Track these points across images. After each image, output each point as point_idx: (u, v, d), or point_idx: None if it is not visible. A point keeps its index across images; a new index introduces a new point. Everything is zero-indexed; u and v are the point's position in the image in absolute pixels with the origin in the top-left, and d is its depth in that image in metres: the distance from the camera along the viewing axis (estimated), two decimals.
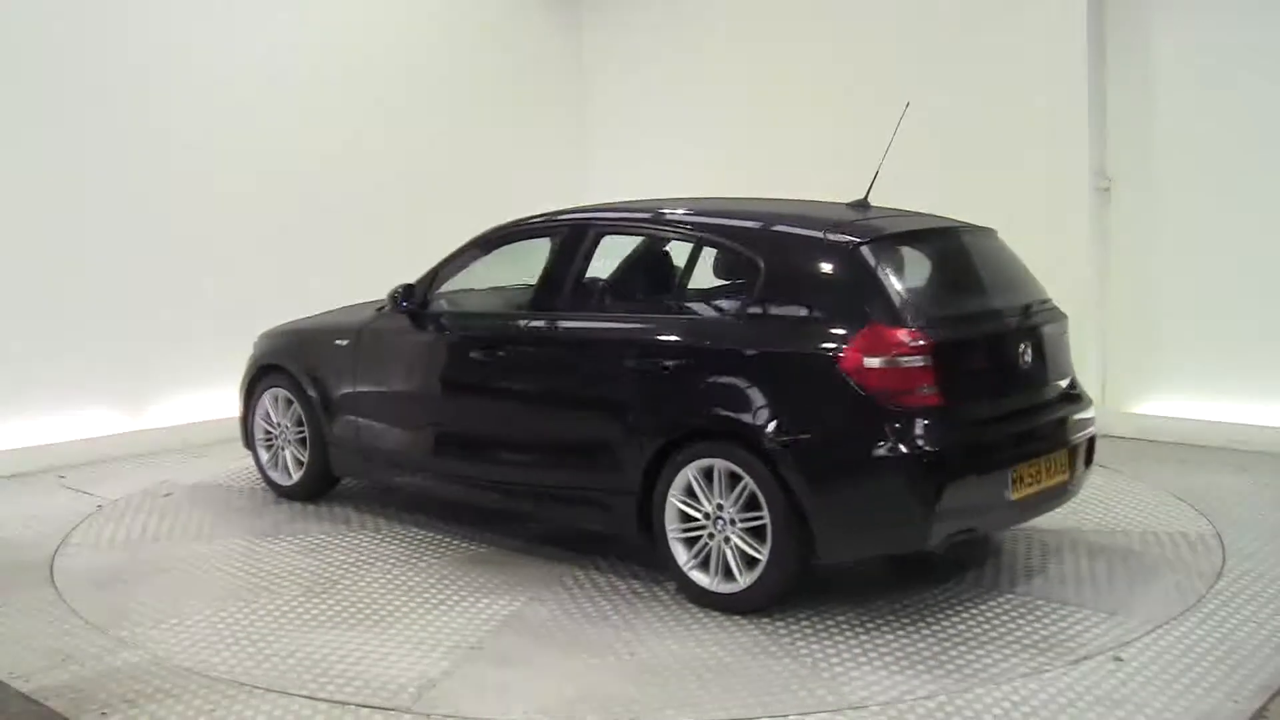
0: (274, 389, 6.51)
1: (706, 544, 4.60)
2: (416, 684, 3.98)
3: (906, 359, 4.32)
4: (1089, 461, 5.04)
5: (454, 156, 9.76)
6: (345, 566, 5.31)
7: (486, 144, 10.09)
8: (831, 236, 4.72)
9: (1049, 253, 8.00)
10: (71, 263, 7.58)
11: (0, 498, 6.68)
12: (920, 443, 4.28)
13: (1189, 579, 4.88)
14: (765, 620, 4.48)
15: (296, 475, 6.44)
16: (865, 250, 4.59)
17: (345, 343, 6.15)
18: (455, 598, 4.86)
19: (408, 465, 5.91)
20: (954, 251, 5.09)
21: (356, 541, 5.71)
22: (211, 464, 7.48)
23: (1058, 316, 5.12)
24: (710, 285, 5.20)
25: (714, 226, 5.13)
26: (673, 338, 4.88)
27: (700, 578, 4.63)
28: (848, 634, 4.35)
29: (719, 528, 4.56)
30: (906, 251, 4.87)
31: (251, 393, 6.67)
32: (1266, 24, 7.17)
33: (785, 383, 4.51)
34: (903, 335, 4.34)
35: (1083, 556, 5.22)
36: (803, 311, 4.61)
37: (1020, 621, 4.44)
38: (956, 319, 4.65)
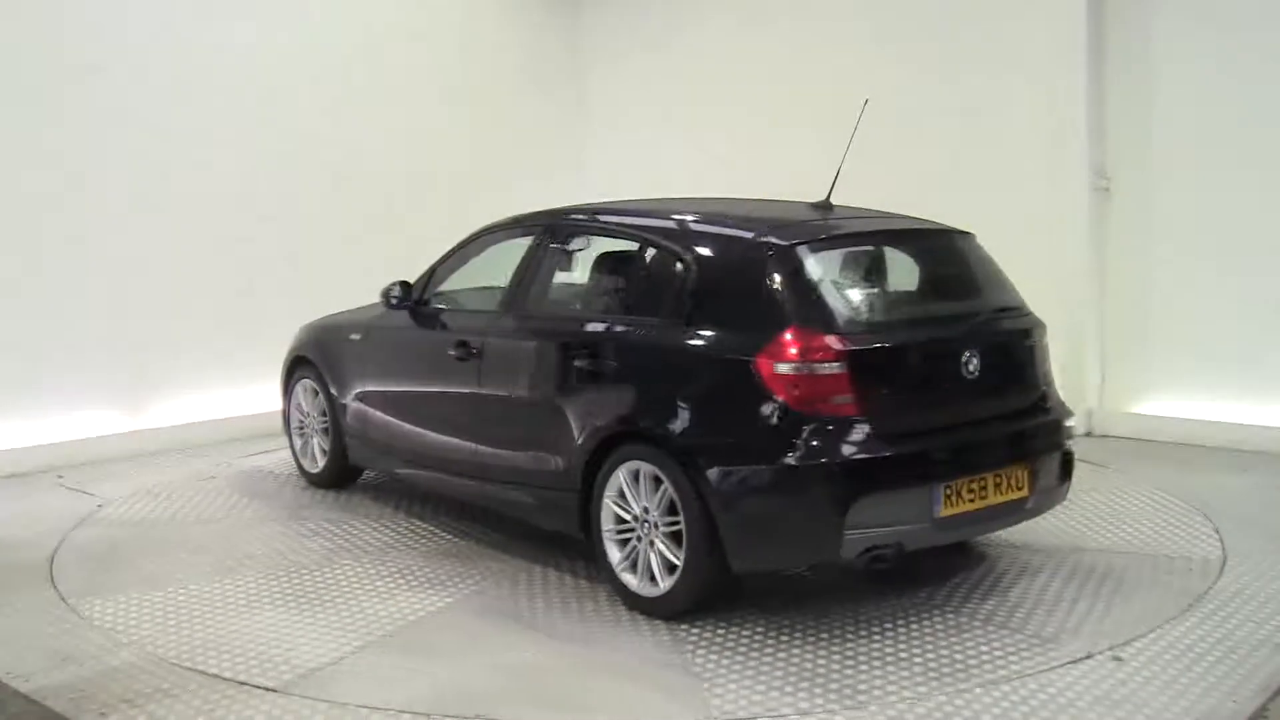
0: (304, 380, 6.86)
1: (635, 546, 4.60)
2: (307, 667, 4.12)
3: (821, 365, 4.19)
4: (1065, 477, 4.84)
5: (454, 156, 9.76)
6: (323, 553, 5.51)
7: (486, 143, 10.09)
8: (757, 239, 4.61)
9: (1048, 253, 8.04)
10: (72, 263, 7.58)
11: (0, 498, 6.68)
12: (831, 453, 4.15)
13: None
14: (692, 625, 4.44)
15: (321, 463, 6.74)
16: (787, 253, 4.46)
17: (357, 337, 6.41)
18: (403, 587, 5.00)
19: (402, 457, 6.08)
20: (902, 255, 4.96)
21: (349, 529, 5.91)
22: (206, 461, 7.48)
23: (1027, 325, 4.92)
24: (647, 286, 5.10)
25: (650, 228, 5.05)
26: (607, 338, 4.89)
27: (629, 580, 4.63)
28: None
29: (645, 531, 4.55)
30: (842, 255, 4.76)
31: (288, 383, 7.02)
32: (1266, 24, 7.17)
33: (703, 386, 4.45)
34: (818, 341, 4.22)
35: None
36: (726, 315, 4.50)
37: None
38: (886, 325, 4.54)
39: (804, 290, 4.39)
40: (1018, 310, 4.99)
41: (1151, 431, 7.65)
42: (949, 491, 4.31)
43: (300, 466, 6.93)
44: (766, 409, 4.21)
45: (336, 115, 9.01)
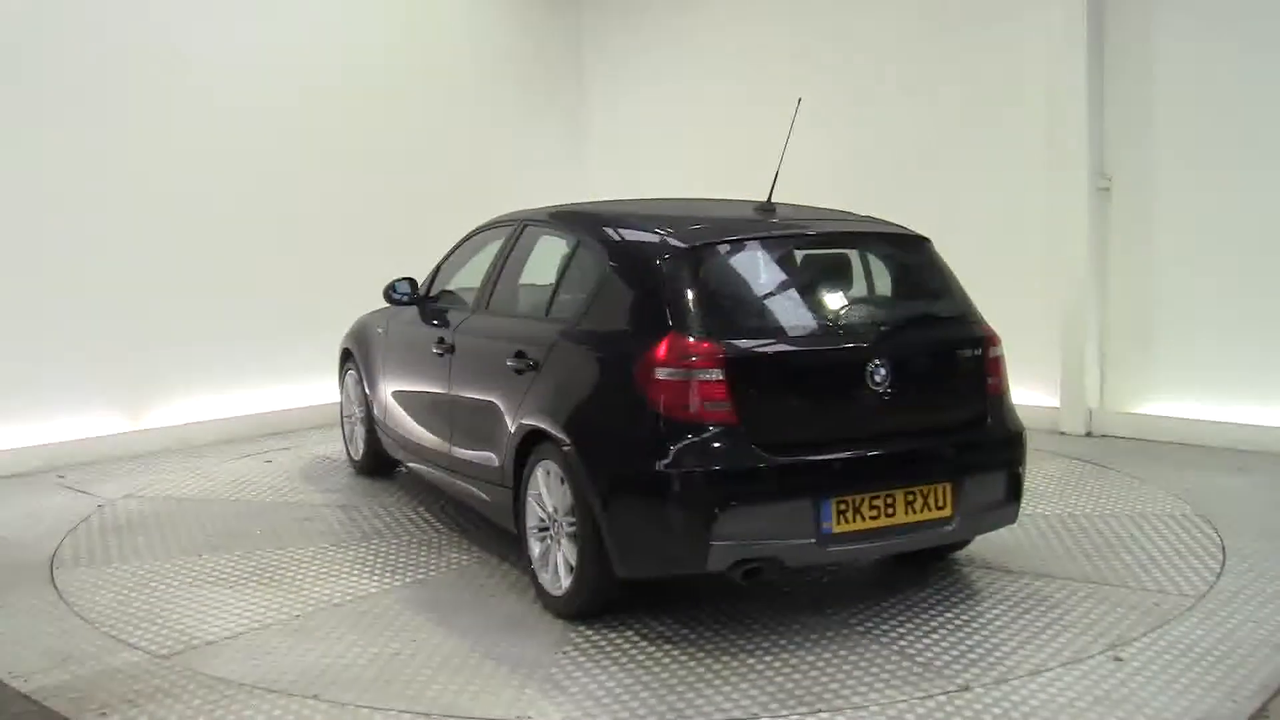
0: (350, 371, 7.20)
1: (549, 545, 4.63)
2: (202, 640, 4.38)
3: (697, 372, 4.10)
4: (1013, 498, 4.63)
5: (454, 156, 9.77)
6: (302, 536, 5.81)
7: (487, 143, 10.10)
8: (657, 242, 4.55)
9: (1048, 253, 8.05)
10: (72, 264, 7.59)
11: (0, 498, 6.68)
12: (701, 461, 4.06)
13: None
14: (594, 627, 4.41)
15: (361, 452, 7.06)
16: (682, 257, 4.39)
17: (381, 331, 6.67)
18: (354, 573, 5.21)
19: (406, 450, 6.29)
20: (819, 260, 4.85)
21: (347, 517, 6.18)
22: (206, 461, 7.48)
23: (957, 336, 4.68)
24: (570, 287, 5.12)
25: (582, 229, 5.02)
26: (530, 338, 4.91)
27: (543, 578, 4.66)
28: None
29: (555, 530, 4.56)
30: (749, 259, 4.62)
31: (341, 374, 7.40)
32: (1266, 24, 7.17)
33: (596, 389, 4.47)
34: (695, 347, 4.13)
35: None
36: (623, 317, 4.49)
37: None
38: (779, 332, 4.38)
39: (692, 295, 4.29)
40: (955, 321, 4.74)
41: (1151, 431, 7.65)
42: (842, 507, 4.15)
43: (348, 453, 7.33)
44: (644, 414, 4.15)
45: (336, 116, 9.01)
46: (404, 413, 6.22)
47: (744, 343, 4.23)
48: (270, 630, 4.51)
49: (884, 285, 4.94)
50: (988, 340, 4.72)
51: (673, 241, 4.49)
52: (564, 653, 4.20)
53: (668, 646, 4.23)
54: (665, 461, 4.08)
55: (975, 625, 4.41)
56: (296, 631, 4.49)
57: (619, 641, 4.29)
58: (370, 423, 6.80)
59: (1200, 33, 7.43)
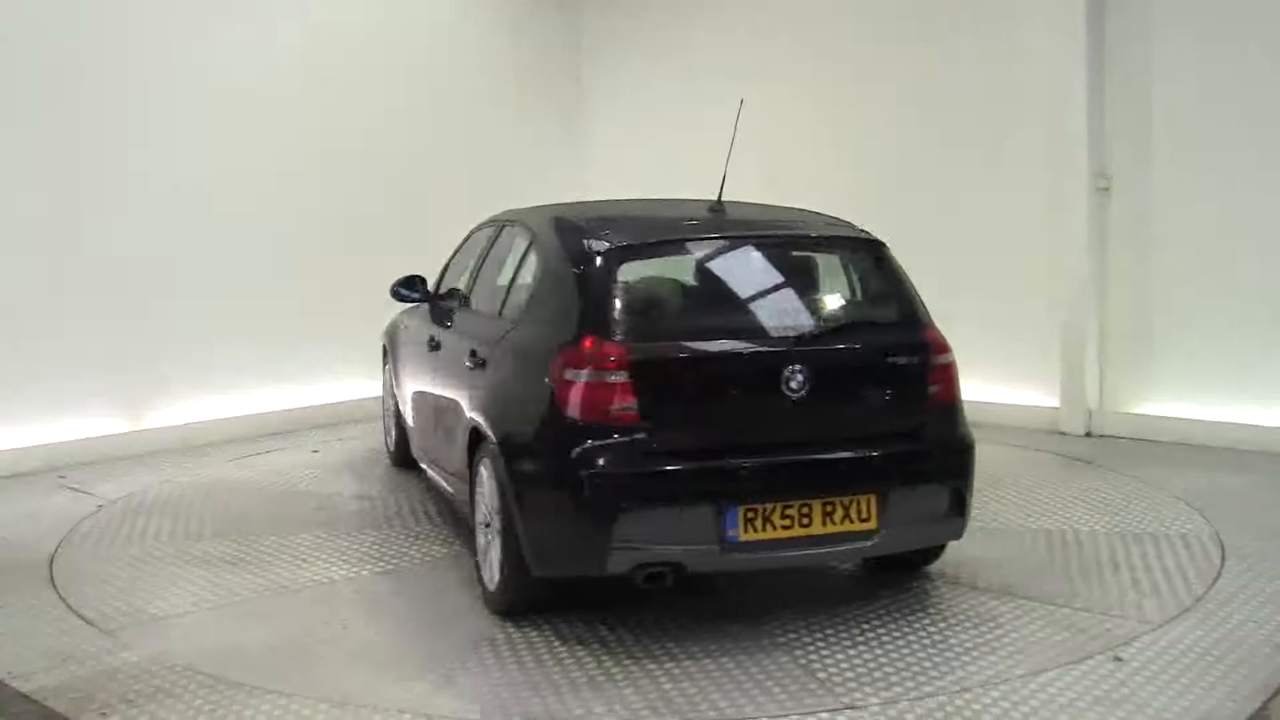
0: (388, 365, 7.34)
1: (490, 540, 4.66)
2: (152, 617, 4.62)
3: (604, 374, 4.10)
4: (956, 513, 4.45)
5: (454, 156, 9.77)
6: (303, 524, 6.00)
7: (487, 143, 10.10)
8: (586, 243, 4.54)
9: (1048, 253, 8.05)
10: (72, 264, 7.59)
11: (0, 498, 6.68)
12: (602, 464, 4.06)
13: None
14: (524, 623, 4.46)
15: (393, 443, 7.28)
16: (604, 258, 4.40)
17: (405, 328, 6.82)
18: (329, 561, 5.37)
19: (412, 441, 6.57)
20: (749, 262, 4.78)
21: (359, 507, 6.39)
22: (206, 461, 7.47)
23: (890, 343, 4.52)
24: (519, 287, 5.18)
25: (537, 230, 5.02)
26: (483, 337, 5.01)
27: (483, 572, 4.72)
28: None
29: (491, 526, 4.62)
30: (674, 262, 4.64)
31: (384, 368, 7.51)
32: (1266, 24, 7.17)
33: (520, 388, 4.50)
34: (603, 349, 4.14)
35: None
36: (549, 317, 4.53)
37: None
38: (692, 335, 4.33)
39: (607, 298, 4.30)
40: (891, 326, 4.61)
41: (1151, 431, 7.65)
42: (751, 514, 4.08)
43: (386, 446, 7.55)
44: (555, 415, 4.17)
45: (336, 117, 9.01)
46: (410, 408, 6.45)
47: (652, 345, 4.22)
48: (220, 610, 4.73)
49: (817, 288, 4.84)
50: (930, 348, 4.52)
51: (595, 244, 4.50)
52: (479, 648, 4.25)
53: (579, 648, 4.24)
54: (569, 463, 4.10)
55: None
56: (243, 613, 4.68)
57: (535, 639, 4.32)
58: (398, 416, 6.99)
59: (1200, 33, 7.44)
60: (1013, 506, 6.10)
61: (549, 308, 4.57)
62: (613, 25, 10.72)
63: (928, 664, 4.04)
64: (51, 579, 5.18)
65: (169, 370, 8.09)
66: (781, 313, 4.52)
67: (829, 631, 4.36)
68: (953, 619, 4.46)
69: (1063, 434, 7.93)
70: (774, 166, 9.47)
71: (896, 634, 4.32)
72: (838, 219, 5.17)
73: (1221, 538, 5.41)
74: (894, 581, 4.86)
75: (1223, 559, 5.11)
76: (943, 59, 8.59)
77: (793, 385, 4.20)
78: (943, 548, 4.86)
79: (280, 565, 5.29)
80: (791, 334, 4.33)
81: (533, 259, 4.96)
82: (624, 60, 10.64)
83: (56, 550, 5.61)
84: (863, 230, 4.92)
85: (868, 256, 4.80)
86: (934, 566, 4.98)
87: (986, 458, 7.12)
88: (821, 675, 3.96)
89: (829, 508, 4.17)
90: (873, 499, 4.22)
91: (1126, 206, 7.81)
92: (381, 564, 5.32)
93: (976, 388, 8.44)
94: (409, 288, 6.24)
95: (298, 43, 8.81)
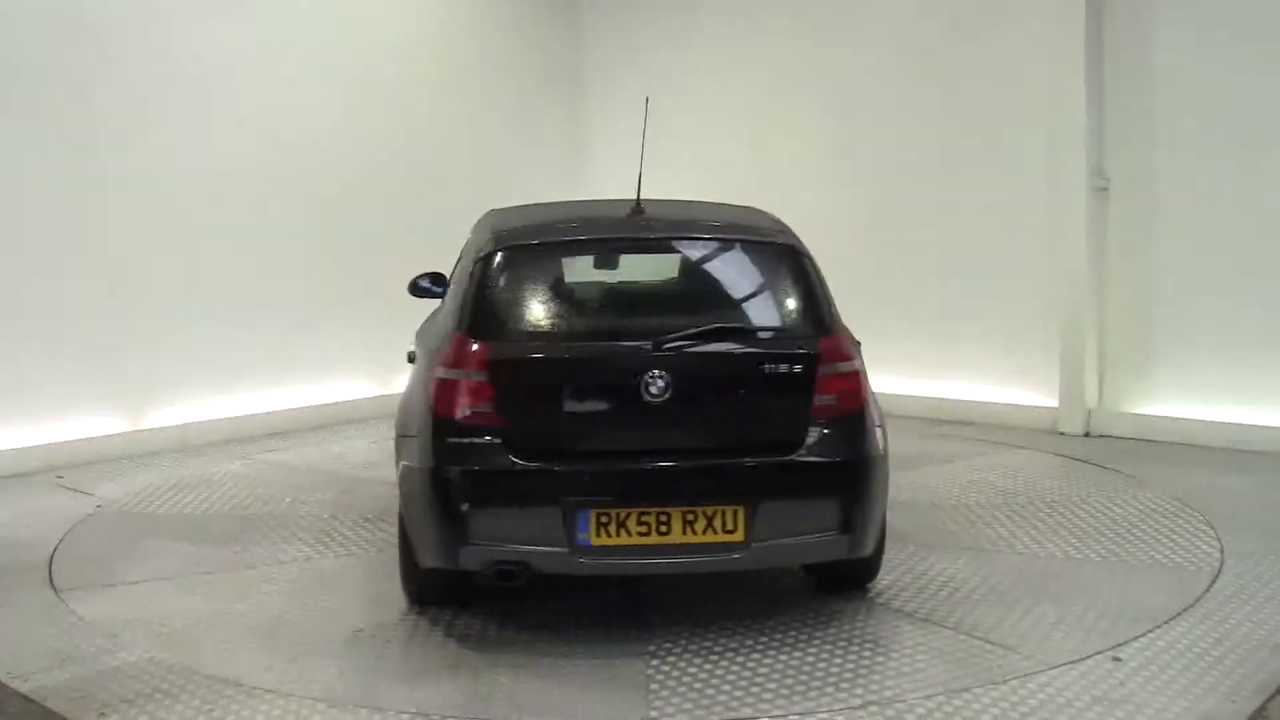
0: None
1: None
2: (118, 582, 4.97)
3: (466, 373, 4.17)
4: (844, 529, 4.21)
5: (455, 156, 9.77)
6: (314, 508, 6.24)
7: (487, 144, 10.10)
8: (483, 244, 4.57)
9: (1048, 253, 8.05)
10: (72, 264, 7.59)
11: (0, 498, 6.68)
12: (457, 462, 4.12)
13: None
14: (426, 614, 4.59)
15: None
16: (488, 259, 4.45)
17: (425, 328, 6.74)
18: (305, 543, 5.63)
19: None
20: (634, 263, 4.80)
21: (381, 492, 6.35)
22: (206, 461, 7.49)
23: (781, 350, 4.33)
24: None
25: (474, 231, 5.04)
26: (421, 335, 5.22)
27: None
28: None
29: None
30: (551, 262, 4.64)
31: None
32: (1266, 24, 7.17)
33: (414, 387, 4.60)
34: (466, 348, 4.21)
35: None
36: (445, 316, 4.63)
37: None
38: (555, 337, 4.36)
39: (484, 297, 4.36)
40: (776, 333, 4.45)
41: (1151, 431, 7.65)
42: (604, 519, 4.04)
43: None
44: (426, 411, 4.26)
45: (336, 119, 9.01)
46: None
47: (515, 346, 4.26)
48: (168, 582, 5.09)
49: (703, 292, 4.77)
50: (818, 356, 4.29)
51: (483, 245, 4.54)
52: (356, 635, 4.42)
53: (450, 639, 4.37)
54: (430, 459, 4.17)
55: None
56: (184, 588, 5.03)
57: (416, 631, 4.46)
58: None
59: (1199, 33, 7.44)
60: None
61: (447, 306, 4.70)
62: (613, 25, 10.72)
63: (772, 685, 3.90)
64: (51, 579, 5.17)
65: (169, 370, 8.08)
66: (653, 316, 4.52)
67: (690, 641, 4.29)
68: (836, 640, 4.28)
69: (1062, 434, 7.93)
70: (774, 166, 9.48)
71: (766, 651, 4.19)
72: (765, 220, 4.99)
73: (1221, 538, 5.41)
74: (820, 597, 4.71)
75: (1223, 559, 5.11)
76: (943, 59, 8.59)
77: (653, 390, 4.11)
78: (870, 564, 4.65)
79: (260, 543, 5.56)
80: (656, 338, 4.21)
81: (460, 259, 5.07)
82: (624, 60, 10.63)
83: (56, 550, 5.61)
84: (776, 233, 4.72)
85: (773, 260, 4.62)
86: (886, 581, 4.85)
87: (986, 458, 7.23)
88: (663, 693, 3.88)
89: (690, 517, 4.07)
90: (740, 511, 4.08)
91: (1126, 206, 7.81)
92: (347, 549, 5.56)
93: (976, 388, 8.52)
94: (435, 283, 5.97)
95: (299, 44, 8.81)
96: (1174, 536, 5.47)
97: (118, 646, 4.33)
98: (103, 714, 3.76)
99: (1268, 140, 7.20)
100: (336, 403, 8.89)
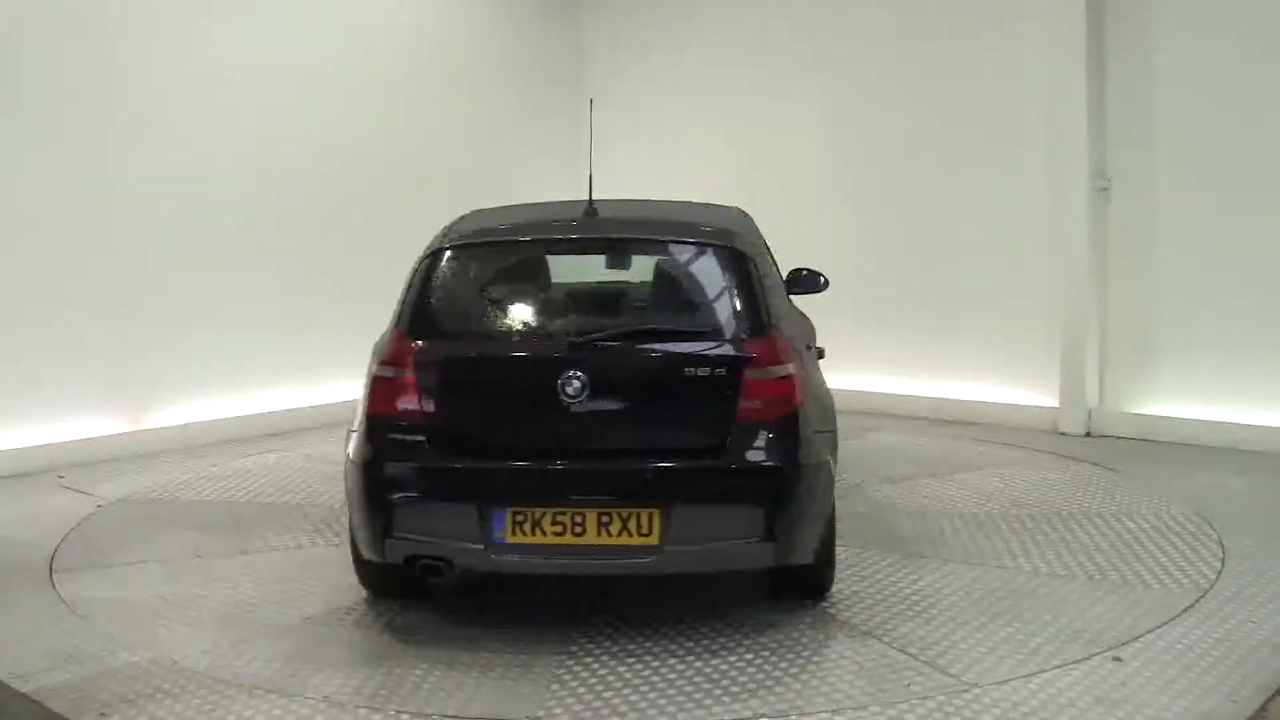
0: None
1: None
2: (77, 567, 5.07)
3: (395, 370, 4.30)
4: (767, 536, 4.10)
5: (455, 156, 9.77)
6: (299, 521, 6.08)
7: (487, 143, 10.10)
8: (433, 243, 4.69)
9: (1049, 253, 8.06)
10: (72, 264, 7.58)
11: (0, 498, 6.68)
12: (381, 457, 4.23)
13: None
14: (378, 604, 4.71)
15: None
16: (432, 258, 4.57)
17: None
18: (305, 530, 5.77)
19: None
20: (567, 264, 4.84)
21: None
22: (206, 461, 7.49)
23: (705, 353, 4.24)
24: None
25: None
26: None
27: None
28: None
29: None
30: (486, 262, 4.72)
31: None
32: (1266, 24, 7.18)
33: (365, 381, 4.66)
34: (397, 346, 4.35)
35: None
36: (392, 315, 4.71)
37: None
38: (481, 336, 4.46)
39: (421, 296, 4.47)
40: (703, 335, 4.35)
41: (1151, 431, 7.65)
42: (520, 518, 4.08)
43: None
44: (364, 407, 4.39)
45: (337, 118, 9.01)
46: None
47: (443, 345, 4.35)
48: (164, 564, 5.31)
49: (634, 293, 4.76)
50: (744, 361, 4.20)
51: (430, 246, 4.64)
52: (306, 621, 4.58)
53: (387, 632, 4.46)
54: (361, 454, 4.29)
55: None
56: (171, 571, 5.20)
57: (361, 621, 4.59)
58: None
59: (1199, 33, 7.45)
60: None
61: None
62: (613, 25, 10.73)
63: (672, 692, 3.86)
64: (51, 579, 5.17)
65: (169, 370, 8.08)
66: (579, 317, 4.55)
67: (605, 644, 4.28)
68: (762, 649, 4.20)
69: (1062, 434, 7.93)
70: (774, 166, 9.49)
71: (686, 657, 4.16)
72: (721, 221, 4.96)
73: (1222, 538, 5.41)
74: (768, 605, 4.60)
75: (1223, 559, 5.11)
76: (944, 59, 8.60)
77: (569, 391, 4.13)
78: (817, 575, 4.59)
79: (266, 531, 5.65)
80: (577, 339, 4.25)
81: None
82: (624, 60, 10.64)
83: (56, 550, 5.61)
84: (722, 235, 4.64)
85: (713, 262, 4.57)
86: (848, 590, 4.77)
87: (987, 460, 7.22)
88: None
89: (605, 519, 4.07)
90: (654, 514, 4.06)
91: (1126, 206, 7.81)
92: (313, 540, 5.68)
93: (976, 387, 8.52)
94: None
95: (299, 44, 8.81)
96: (1175, 536, 5.47)
97: (118, 646, 4.33)
98: (103, 714, 3.75)
99: (1268, 140, 7.20)
100: (337, 403, 8.88)
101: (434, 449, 4.20)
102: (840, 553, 5.00)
